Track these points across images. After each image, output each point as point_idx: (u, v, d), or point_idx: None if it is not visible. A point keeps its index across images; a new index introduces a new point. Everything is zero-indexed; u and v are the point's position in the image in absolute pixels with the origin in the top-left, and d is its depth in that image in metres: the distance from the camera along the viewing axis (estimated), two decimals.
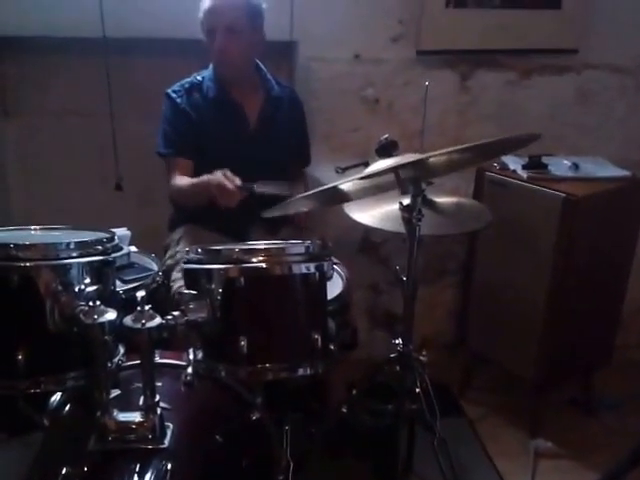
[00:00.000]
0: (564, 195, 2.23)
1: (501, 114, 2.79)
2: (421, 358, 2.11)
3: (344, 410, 2.15)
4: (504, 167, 2.47)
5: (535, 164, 2.37)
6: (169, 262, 2.23)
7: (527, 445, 2.44)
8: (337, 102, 2.72)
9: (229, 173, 2.02)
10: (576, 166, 2.40)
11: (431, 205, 1.85)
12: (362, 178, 1.50)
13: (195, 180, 2.19)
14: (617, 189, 2.38)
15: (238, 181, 2.00)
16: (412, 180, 1.50)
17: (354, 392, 2.15)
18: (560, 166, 2.41)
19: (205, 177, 2.11)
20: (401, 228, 1.73)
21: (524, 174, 2.37)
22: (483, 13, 2.64)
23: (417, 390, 2.06)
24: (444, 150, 1.44)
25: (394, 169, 1.43)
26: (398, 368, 2.08)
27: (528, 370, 2.44)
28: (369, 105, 2.75)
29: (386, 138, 1.58)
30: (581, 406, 2.66)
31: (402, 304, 2.07)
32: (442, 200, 1.94)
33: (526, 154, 2.42)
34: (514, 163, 2.44)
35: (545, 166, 2.38)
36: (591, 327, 2.50)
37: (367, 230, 2.81)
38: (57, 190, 2.74)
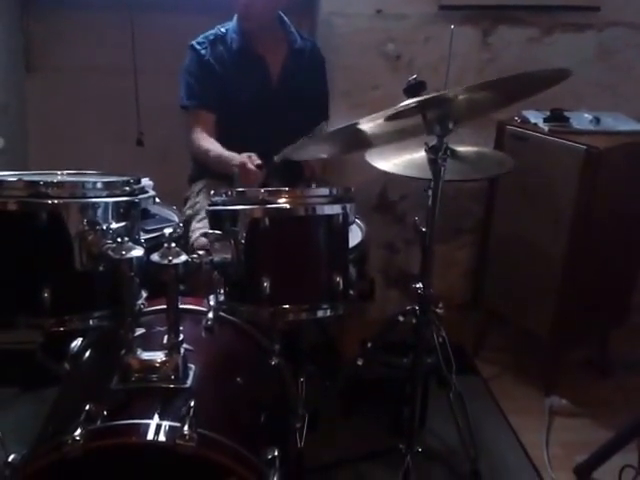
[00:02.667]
0: (586, 147, 2.22)
1: (522, 71, 2.75)
2: (438, 311, 2.13)
3: (359, 363, 2.18)
4: (525, 120, 2.46)
5: (556, 117, 2.37)
6: (189, 212, 2.26)
7: (542, 403, 2.45)
8: (358, 58, 2.73)
9: (254, 156, 2.06)
10: (597, 120, 2.39)
11: (453, 153, 1.85)
12: (390, 117, 1.50)
13: (220, 153, 2.21)
14: (638, 143, 2.37)
15: (258, 161, 2.04)
16: (438, 120, 1.51)
17: (369, 345, 2.17)
18: (581, 120, 2.40)
19: (230, 155, 2.14)
20: (424, 174, 1.74)
21: (545, 127, 2.36)
22: None
23: (435, 343, 2.09)
24: (472, 85, 1.44)
25: (421, 106, 1.43)
26: (414, 320, 2.11)
27: (544, 328, 2.45)
28: (390, 61, 2.75)
29: (414, 78, 1.58)
30: (597, 366, 2.67)
31: (417, 263, 2.08)
32: (463, 149, 1.94)
33: (547, 109, 2.42)
34: (535, 117, 2.44)
35: (566, 119, 2.37)
36: (608, 286, 2.49)
37: (384, 187, 2.82)
38: (78, 145, 2.77)
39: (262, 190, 1.48)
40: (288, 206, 1.46)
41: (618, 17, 2.76)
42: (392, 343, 2.19)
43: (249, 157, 2.06)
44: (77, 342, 1.67)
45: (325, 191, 1.52)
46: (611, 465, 2.02)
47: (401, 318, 2.06)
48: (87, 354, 1.64)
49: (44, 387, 1.86)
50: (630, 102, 2.78)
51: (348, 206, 1.53)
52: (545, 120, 2.38)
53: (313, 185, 2.19)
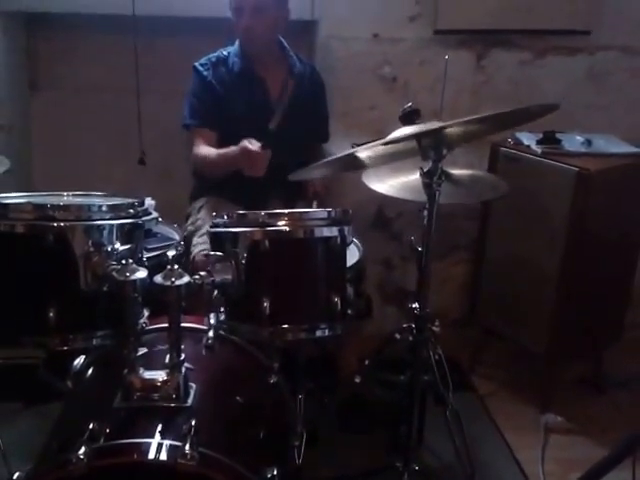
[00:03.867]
0: (577, 169, 2.27)
1: (515, 93, 2.82)
2: (434, 329, 2.16)
3: (357, 381, 2.21)
4: (518, 142, 2.52)
5: (549, 139, 2.42)
6: (190, 228, 2.32)
7: (537, 420, 2.48)
8: (355, 80, 2.78)
9: (253, 140, 2.11)
10: (589, 142, 2.44)
11: (447, 176, 1.90)
12: (386, 143, 1.56)
13: (222, 150, 2.27)
14: (629, 165, 2.42)
15: (259, 144, 2.09)
16: (433, 146, 1.56)
17: (366, 362, 2.20)
18: (573, 142, 2.45)
19: (230, 149, 2.20)
20: (419, 197, 1.78)
21: (538, 149, 2.42)
22: None
23: (431, 361, 2.12)
24: (465, 118, 1.49)
25: (417, 135, 1.48)
26: (411, 338, 2.15)
27: (539, 345, 2.48)
28: (386, 83, 2.80)
29: (410, 106, 1.63)
30: (591, 383, 2.70)
31: (414, 280, 2.12)
32: (457, 172, 1.99)
33: (540, 131, 2.47)
34: (528, 139, 2.49)
35: (559, 141, 2.43)
36: (602, 304, 2.53)
37: (381, 205, 2.87)
38: (82, 163, 2.82)
39: (262, 212, 1.52)
40: (287, 229, 1.51)
41: (609, 41, 2.82)
42: (390, 360, 2.22)
43: (249, 142, 2.11)
44: (80, 360, 1.69)
45: (323, 214, 1.56)
46: None
47: (398, 336, 2.08)
48: (90, 372, 1.67)
49: (47, 402, 1.88)
50: (623, 122, 2.84)
51: (346, 228, 1.58)
52: (538, 142, 2.43)
53: (315, 203, 2.25)
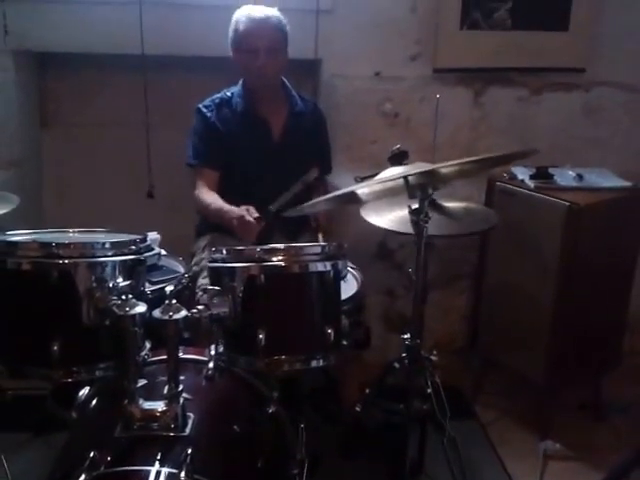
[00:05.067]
0: (568, 204, 2.34)
1: (512, 128, 2.91)
2: (432, 358, 2.21)
3: (357, 409, 2.26)
4: (513, 177, 2.60)
5: (542, 174, 2.50)
6: (195, 269, 2.36)
7: (537, 447, 2.51)
8: (358, 116, 2.87)
9: (252, 209, 2.18)
10: (580, 177, 2.51)
11: (441, 209, 1.98)
12: (375, 183, 1.62)
13: (220, 206, 2.34)
14: (619, 199, 2.49)
15: (256, 214, 2.16)
16: (420, 186, 1.63)
17: (367, 391, 2.25)
18: (565, 176, 2.53)
19: (229, 208, 2.27)
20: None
21: (531, 184, 2.49)
22: (495, 34, 2.77)
23: (428, 390, 2.17)
24: (448, 163, 1.58)
25: (404, 176, 1.55)
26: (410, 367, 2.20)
27: (536, 373, 2.53)
28: (388, 119, 2.89)
29: (398, 148, 1.71)
30: (591, 410, 2.72)
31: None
32: (451, 205, 2.06)
33: (534, 165, 2.54)
34: (522, 173, 2.57)
35: (551, 176, 2.50)
36: (598, 332, 2.57)
37: (383, 237, 2.93)
38: (91, 197, 2.91)
39: (258, 248, 1.59)
40: (283, 264, 1.57)
41: (603, 77, 2.91)
42: (391, 388, 2.26)
43: (247, 210, 2.18)
44: (84, 391, 1.75)
45: (317, 249, 1.62)
46: None
47: (397, 365, 2.13)
48: (93, 403, 1.73)
49: (54, 433, 1.92)
50: (619, 155, 2.91)
51: (340, 262, 1.64)
52: (531, 177, 2.51)
53: (320, 236, 2.31)
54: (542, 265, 2.44)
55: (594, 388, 2.74)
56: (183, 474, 1.29)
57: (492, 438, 2.60)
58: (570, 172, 2.54)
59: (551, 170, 2.51)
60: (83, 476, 1.29)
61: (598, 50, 2.85)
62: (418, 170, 1.57)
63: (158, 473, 1.32)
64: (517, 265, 2.56)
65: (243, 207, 2.21)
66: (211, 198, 2.39)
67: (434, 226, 1.95)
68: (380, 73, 2.82)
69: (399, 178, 1.57)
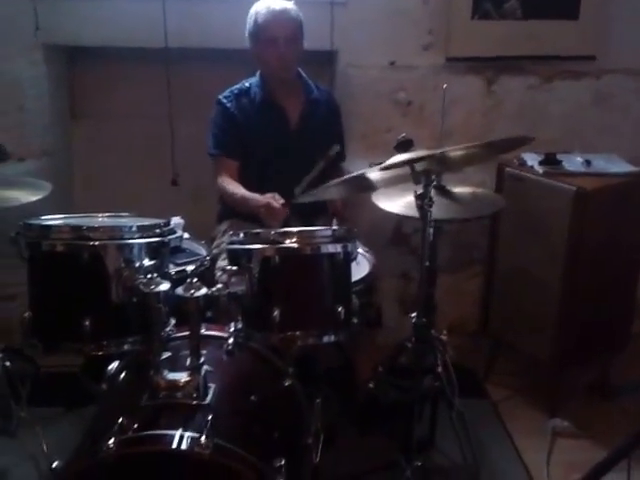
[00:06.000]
0: (575, 188, 2.41)
1: (523, 116, 2.98)
2: (442, 337, 2.32)
3: (371, 386, 2.37)
4: (523, 163, 2.67)
5: (550, 160, 2.57)
6: (215, 251, 2.48)
7: (545, 425, 2.60)
8: (372, 105, 2.96)
9: (277, 195, 2.29)
10: (588, 162, 2.57)
11: (449, 194, 2.07)
12: (382, 169, 1.73)
13: (246, 194, 2.45)
14: (627, 184, 2.55)
15: (282, 201, 2.27)
16: (424, 172, 1.73)
17: (380, 369, 2.36)
18: (573, 162, 2.59)
19: (254, 196, 2.38)
20: None
21: (540, 169, 2.56)
22: (506, 24, 2.84)
23: (438, 368, 2.27)
24: (448, 148, 1.67)
25: (404, 162, 1.66)
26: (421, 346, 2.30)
27: (544, 353, 2.61)
28: (401, 108, 2.97)
29: (403, 136, 1.81)
30: (599, 391, 2.80)
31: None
32: (459, 190, 2.16)
33: (544, 152, 2.61)
34: (532, 160, 2.64)
35: (559, 162, 2.57)
36: (605, 315, 2.64)
37: (398, 223, 3.02)
38: (119, 186, 3.04)
39: (273, 232, 1.70)
40: (296, 245, 1.69)
41: (613, 65, 2.96)
42: (403, 367, 2.36)
43: (272, 197, 2.29)
44: (114, 365, 1.89)
45: (328, 232, 1.74)
46: None
47: (408, 344, 2.23)
48: (122, 376, 1.86)
49: (85, 407, 2.04)
50: (629, 142, 2.97)
51: (349, 245, 1.75)
52: (540, 163, 2.58)
53: (334, 221, 2.42)
54: (550, 249, 2.51)
55: (602, 369, 2.81)
56: (204, 438, 1.41)
57: (502, 416, 2.69)
58: (578, 158, 2.60)
59: (559, 156, 2.58)
60: (112, 439, 1.41)
61: (608, 38, 2.90)
62: (416, 155, 1.66)
63: (181, 437, 1.43)
64: (526, 250, 2.64)
65: (268, 195, 2.31)
66: (234, 187, 2.50)
67: (442, 210, 2.05)
68: (394, 62, 2.91)
69: (399, 164, 1.67)
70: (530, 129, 2.94)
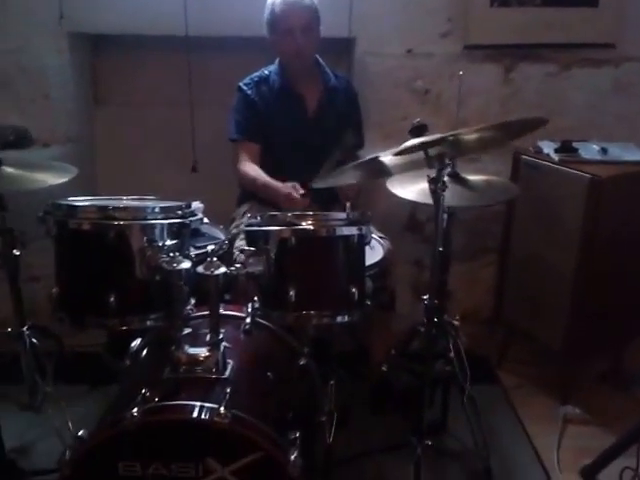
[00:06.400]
0: (590, 176, 2.43)
1: (541, 104, 2.99)
2: (454, 322, 2.37)
3: (384, 369, 2.43)
4: (539, 150, 2.69)
5: (566, 148, 2.58)
6: (234, 231, 2.55)
7: (557, 411, 2.63)
8: (389, 93, 3.00)
9: (297, 185, 2.35)
10: (604, 150, 2.59)
11: (463, 182, 2.11)
12: (396, 154, 1.78)
13: (267, 181, 2.51)
14: None
15: (302, 191, 2.32)
16: (437, 156, 1.77)
17: (393, 352, 2.42)
18: (589, 150, 2.61)
19: (276, 185, 2.44)
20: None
21: (556, 157, 2.58)
22: (525, 11, 2.85)
23: (450, 353, 2.32)
24: (457, 131, 1.73)
25: (422, 146, 1.71)
26: (434, 331, 2.35)
27: (557, 342, 2.64)
28: (418, 96, 3.01)
29: (418, 121, 1.86)
30: (612, 379, 2.83)
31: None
32: (473, 177, 2.19)
33: (564, 139, 2.63)
34: (548, 147, 2.66)
35: (575, 150, 2.59)
36: (619, 304, 2.65)
37: (413, 209, 3.07)
38: (140, 171, 3.11)
39: (289, 214, 1.76)
40: (312, 228, 1.75)
41: (632, 53, 2.97)
42: (416, 351, 2.41)
43: (293, 187, 2.35)
44: (137, 342, 1.98)
45: (343, 215, 1.79)
46: (613, 467, 2.20)
47: (421, 329, 2.28)
48: (145, 352, 1.94)
49: (109, 385, 2.11)
50: None
51: (363, 228, 1.80)
52: (556, 150, 2.60)
53: (348, 206, 2.47)
54: (564, 237, 2.54)
55: (615, 358, 2.85)
56: (223, 409, 1.48)
57: (514, 402, 2.73)
58: (595, 146, 2.62)
59: (576, 144, 2.60)
60: (135, 409, 1.48)
61: (627, 26, 2.90)
62: (430, 139, 1.71)
63: (202, 407, 1.51)
64: (541, 237, 2.66)
65: (289, 184, 2.37)
66: (255, 172, 2.56)
67: (456, 197, 2.09)
68: (412, 50, 2.94)
69: (413, 148, 1.72)
70: (548, 117, 2.93)
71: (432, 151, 1.78)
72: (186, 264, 1.63)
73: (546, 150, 2.65)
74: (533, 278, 2.74)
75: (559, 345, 2.64)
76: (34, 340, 2.36)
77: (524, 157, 2.69)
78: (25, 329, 2.34)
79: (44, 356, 2.48)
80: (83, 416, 2.25)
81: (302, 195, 2.32)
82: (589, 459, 2.31)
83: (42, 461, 2.20)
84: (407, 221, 3.12)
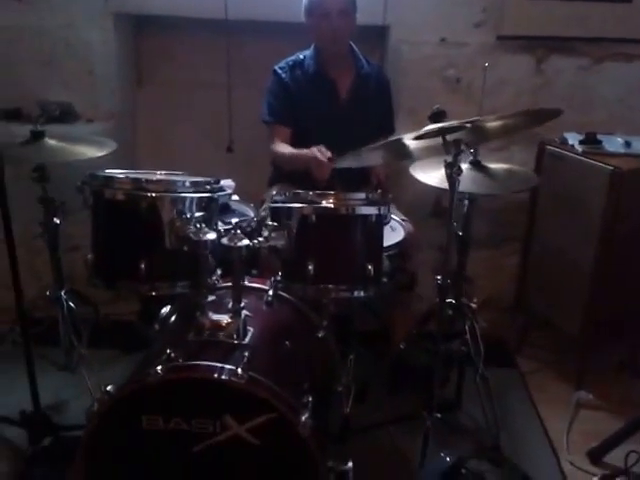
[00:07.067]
0: (612, 168, 2.47)
1: (572, 97, 3.02)
2: (472, 305, 2.44)
3: (402, 347, 2.52)
4: (564, 142, 2.74)
5: (590, 140, 2.63)
6: (263, 213, 2.64)
7: (571, 397, 2.69)
8: (421, 81, 3.06)
9: (323, 148, 2.41)
10: (628, 144, 2.62)
11: (484, 169, 2.18)
12: (415, 138, 1.86)
13: (295, 151, 2.61)
14: None
15: (329, 154, 2.38)
16: (454, 142, 1.85)
17: (413, 332, 2.51)
18: (613, 143, 2.64)
19: (303, 150, 2.52)
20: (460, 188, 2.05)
21: (579, 148, 2.63)
22: (560, 4, 2.89)
23: (466, 334, 2.40)
24: (474, 118, 1.80)
25: (440, 131, 1.79)
26: (450, 312, 2.44)
27: (575, 329, 2.70)
28: (450, 84, 3.06)
29: (437, 107, 1.93)
30: (629, 368, 2.87)
31: (468, 265, 2.42)
32: (495, 166, 2.26)
33: (591, 131, 2.67)
34: (573, 139, 2.70)
35: (599, 142, 2.63)
36: (638, 293, 2.69)
37: (438, 196, 3.13)
38: (178, 149, 3.25)
39: (311, 192, 1.86)
40: (332, 206, 1.85)
41: None
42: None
43: (319, 149, 2.41)
44: (166, 308, 2.11)
45: (362, 195, 1.88)
46: (619, 451, 2.27)
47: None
48: (173, 317, 2.06)
49: (141, 351, 2.24)
50: None
51: (382, 208, 1.89)
52: (580, 142, 2.64)
53: (378, 190, 2.55)
54: (585, 228, 2.59)
55: (632, 347, 2.88)
56: (240, 370, 1.59)
57: (529, 386, 2.80)
58: (619, 139, 2.65)
59: (600, 136, 2.64)
60: (160, 367, 1.60)
61: None
62: (447, 125, 1.79)
63: (221, 368, 1.62)
64: (563, 228, 2.72)
65: (314, 147, 2.42)
66: (285, 148, 2.66)
67: (476, 184, 2.17)
68: (445, 39, 3.00)
69: (430, 133, 1.80)
70: (578, 110, 2.99)
71: (451, 136, 1.85)
72: (211, 235, 1.74)
73: (571, 141, 2.69)
74: (554, 267, 2.79)
75: (576, 332, 2.70)
76: (71, 304, 2.51)
77: (549, 148, 2.74)
78: (63, 293, 2.49)
79: (81, 322, 2.63)
80: (115, 378, 2.35)
81: (328, 159, 2.37)
82: (598, 442, 2.38)
83: (75, 417, 2.29)
84: (433, 207, 3.18)
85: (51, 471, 2.13)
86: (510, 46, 2.99)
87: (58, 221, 2.38)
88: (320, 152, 2.39)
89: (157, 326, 2.06)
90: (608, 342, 2.79)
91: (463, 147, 1.81)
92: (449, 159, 1.84)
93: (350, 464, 1.73)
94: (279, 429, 1.60)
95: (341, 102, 2.73)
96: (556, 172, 2.67)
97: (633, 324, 2.78)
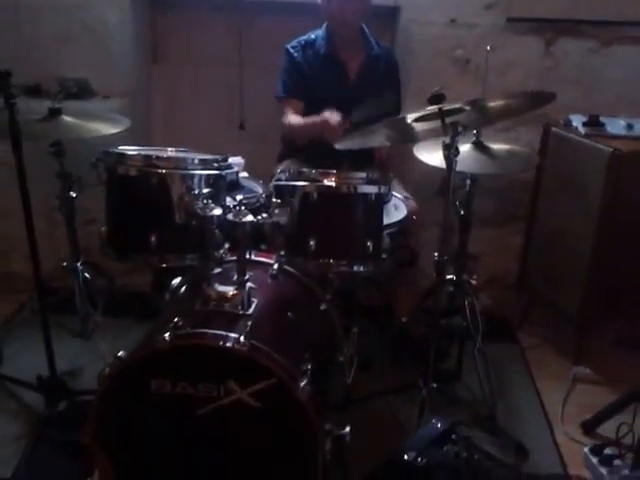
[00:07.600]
0: (612, 150, 2.51)
1: (580, 79, 3.06)
2: (471, 281, 2.52)
3: (404, 320, 2.61)
4: (568, 124, 2.78)
5: (593, 122, 2.67)
6: (271, 189, 2.72)
7: (569, 371, 2.77)
8: (431, 61, 3.11)
9: (335, 112, 2.49)
10: (630, 126, 2.66)
11: (485, 150, 2.24)
12: (414, 120, 1.93)
13: (306, 118, 2.69)
14: None
15: (339, 116, 2.46)
16: (451, 124, 1.92)
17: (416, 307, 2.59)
18: (616, 125, 2.68)
19: (313, 117, 2.60)
20: (463, 168, 2.14)
21: (582, 130, 2.67)
22: None
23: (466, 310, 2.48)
24: (467, 101, 1.87)
25: (438, 114, 1.86)
26: (451, 288, 2.52)
27: (574, 307, 2.77)
28: (459, 65, 3.11)
29: (437, 90, 2.00)
30: (626, 345, 2.94)
31: (473, 242, 2.50)
32: (497, 146, 2.32)
33: (600, 114, 2.71)
34: (577, 120, 2.74)
35: (602, 124, 2.67)
36: (636, 273, 2.72)
37: (444, 176, 3.18)
38: (191, 125, 3.33)
39: (314, 171, 1.94)
40: (334, 184, 1.92)
41: None
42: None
43: (330, 113, 2.49)
44: (177, 280, 2.19)
45: (363, 175, 1.96)
46: (612, 423, 2.34)
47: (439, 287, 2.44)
48: (183, 288, 2.16)
49: (153, 319, 2.34)
50: None
51: (383, 187, 1.96)
52: (584, 124, 2.69)
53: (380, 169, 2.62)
54: (586, 209, 2.64)
55: (630, 325, 2.94)
56: (243, 338, 1.68)
57: (529, 361, 2.88)
58: (622, 121, 2.69)
59: (603, 119, 2.68)
60: (168, 334, 1.69)
61: None
62: (443, 107, 1.86)
63: (225, 336, 1.71)
64: (565, 208, 2.78)
65: (326, 112, 2.51)
66: (297, 119, 2.73)
67: (477, 165, 2.24)
68: (455, 20, 3.03)
69: (428, 115, 1.87)
70: (585, 92, 3.03)
71: (449, 119, 1.92)
72: (217, 210, 1.82)
73: (575, 123, 2.73)
74: (555, 246, 2.86)
75: (575, 310, 2.77)
76: (87, 275, 2.62)
77: (553, 129, 2.79)
78: (79, 264, 2.60)
79: (96, 292, 2.74)
80: (128, 345, 2.45)
81: (339, 121, 2.45)
82: (592, 415, 2.46)
83: (89, 383, 2.40)
84: (438, 187, 3.24)
85: (66, 433, 2.22)
86: (519, 28, 3.02)
87: (74, 195, 2.48)
88: (330, 115, 2.47)
89: (168, 296, 2.15)
90: (606, 319, 2.85)
91: (460, 129, 1.87)
92: (447, 140, 1.90)
93: (347, 429, 1.81)
94: (279, 394, 1.69)
95: (350, 83, 2.80)
96: (560, 153, 2.72)
97: (630, 302, 2.84)
